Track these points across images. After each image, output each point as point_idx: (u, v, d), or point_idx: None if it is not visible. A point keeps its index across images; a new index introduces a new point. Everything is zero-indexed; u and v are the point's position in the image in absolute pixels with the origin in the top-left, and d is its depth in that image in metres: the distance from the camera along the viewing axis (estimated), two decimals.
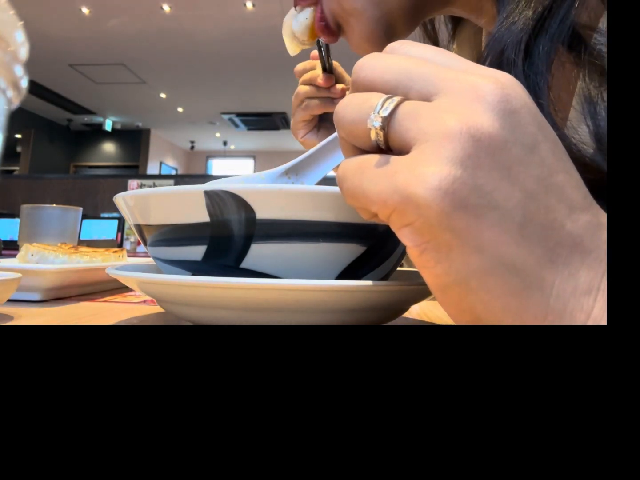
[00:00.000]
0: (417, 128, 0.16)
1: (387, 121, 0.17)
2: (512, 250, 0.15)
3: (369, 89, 0.18)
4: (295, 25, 0.40)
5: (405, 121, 0.16)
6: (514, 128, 0.16)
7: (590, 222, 0.16)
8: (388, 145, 0.17)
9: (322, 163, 0.31)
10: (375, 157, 0.17)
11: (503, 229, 0.15)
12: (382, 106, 0.17)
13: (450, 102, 0.16)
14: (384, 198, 0.16)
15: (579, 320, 0.15)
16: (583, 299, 0.15)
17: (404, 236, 0.16)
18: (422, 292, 0.26)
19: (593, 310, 0.15)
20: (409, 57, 0.18)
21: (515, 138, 0.16)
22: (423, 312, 0.43)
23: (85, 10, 4.12)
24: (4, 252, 1.28)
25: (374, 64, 0.18)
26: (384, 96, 0.17)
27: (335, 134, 0.30)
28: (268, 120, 7.21)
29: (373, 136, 0.17)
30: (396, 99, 0.17)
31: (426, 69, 0.17)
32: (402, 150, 0.17)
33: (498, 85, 0.16)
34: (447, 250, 0.16)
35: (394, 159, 0.17)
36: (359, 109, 0.18)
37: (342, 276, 0.26)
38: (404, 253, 0.29)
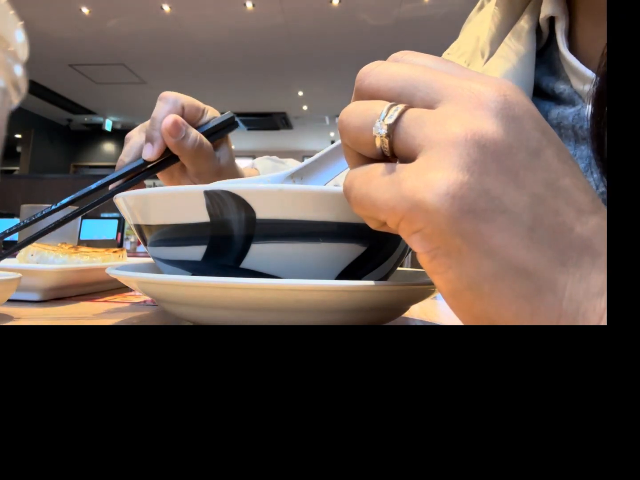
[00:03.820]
0: (423, 135, 0.16)
1: (392, 129, 0.17)
2: (522, 253, 0.15)
3: (373, 96, 0.18)
4: None
5: (410, 128, 0.17)
6: (518, 133, 0.16)
7: (599, 225, 0.16)
8: (393, 153, 0.17)
9: (327, 168, 0.31)
10: (381, 166, 0.17)
11: (513, 233, 0.15)
12: (387, 114, 0.17)
13: (454, 109, 0.16)
14: (392, 205, 0.16)
15: (592, 322, 0.15)
16: (595, 301, 0.15)
17: (414, 243, 0.16)
18: (422, 292, 0.26)
19: (605, 312, 0.15)
20: (412, 66, 0.18)
21: (520, 143, 0.16)
22: (423, 312, 0.43)
23: (85, 10, 4.11)
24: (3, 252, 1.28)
25: (378, 72, 0.18)
26: (388, 104, 0.17)
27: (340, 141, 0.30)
28: (268, 120, 7.21)
29: (378, 143, 0.17)
30: (400, 106, 0.17)
31: (429, 77, 0.17)
32: (408, 158, 0.17)
33: (500, 92, 0.16)
34: (457, 255, 0.15)
35: (400, 166, 0.17)
36: (364, 117, 0.18)
37: (342, 276, 0.26)
38: (404, 253, 0.29)
